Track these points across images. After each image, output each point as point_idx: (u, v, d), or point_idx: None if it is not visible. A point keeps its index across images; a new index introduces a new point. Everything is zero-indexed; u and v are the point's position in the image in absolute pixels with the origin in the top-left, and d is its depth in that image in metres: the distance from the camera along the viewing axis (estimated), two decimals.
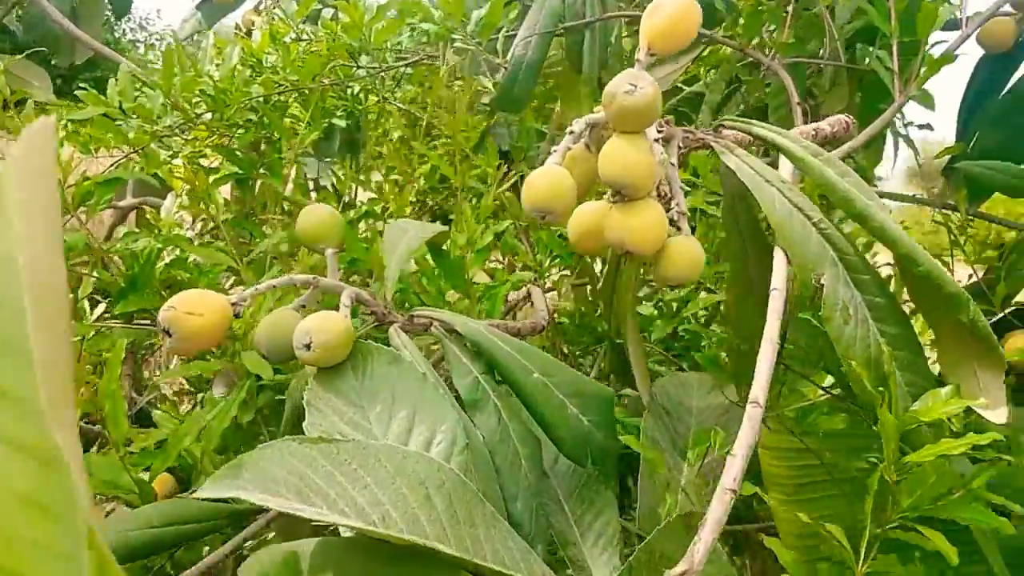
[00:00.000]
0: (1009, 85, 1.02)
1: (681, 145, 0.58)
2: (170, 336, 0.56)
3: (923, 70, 0.85)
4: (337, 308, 0.62)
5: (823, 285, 0.57)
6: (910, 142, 0.96)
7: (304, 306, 0.63)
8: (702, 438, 0.66)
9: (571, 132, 0.56)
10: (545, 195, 0.52)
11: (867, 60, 0.97)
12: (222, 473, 0.44)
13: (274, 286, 0.62)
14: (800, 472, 0.89)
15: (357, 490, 0.50)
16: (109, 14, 2.71)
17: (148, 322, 0.98)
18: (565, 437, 0.65)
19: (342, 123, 1.17)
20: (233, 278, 1.06)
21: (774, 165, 0.66)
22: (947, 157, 1.05)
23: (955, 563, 0.52)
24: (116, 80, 1.00)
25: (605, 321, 0.85)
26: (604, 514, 0.68)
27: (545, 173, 0.53)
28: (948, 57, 0.84)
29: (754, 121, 0.61)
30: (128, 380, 1.00)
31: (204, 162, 1.07)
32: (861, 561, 0.58)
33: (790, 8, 0.92)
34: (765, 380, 0.52)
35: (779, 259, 0.57)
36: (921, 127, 1.05)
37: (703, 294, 0.86)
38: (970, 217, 0.97)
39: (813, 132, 0.68)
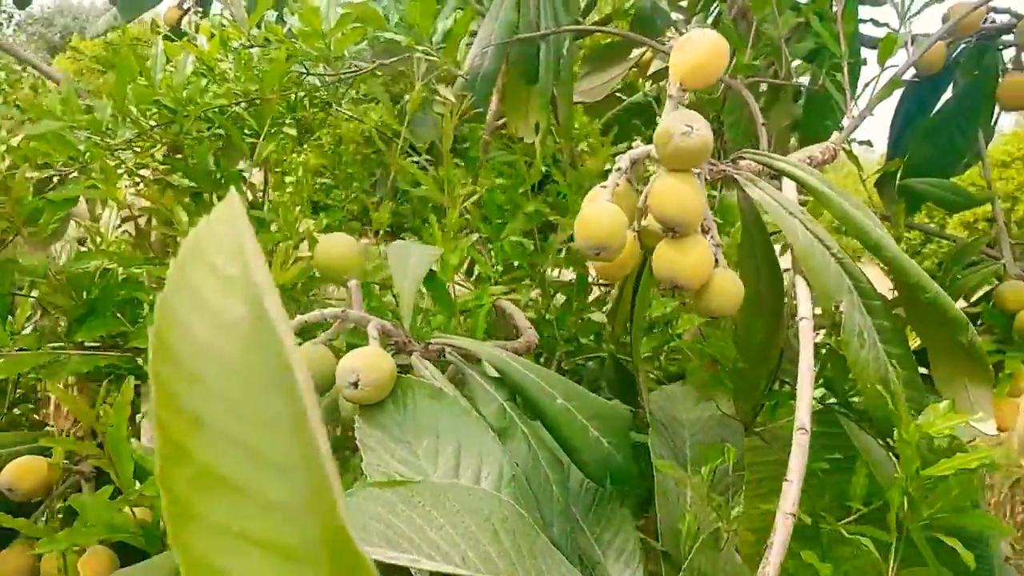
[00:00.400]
0: (937, 106, 1.11)
1: (707, 177, 0.61)
2: None
3: (875, 92, 0.91)
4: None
5: (841, 312, 0.61)
6: (854, 158, 1.03)
7: (332, 341, 0.62)
8: (713, 454, 0.69)
9: (618, 169, 0.57)
10: (603, 234, 0.53)
11: (818, 79, 1.03)
12: None
13: (306, 321, 0.60)
14: (760, 469, 0.95)
15: (434, 531, 0.50)
16: None
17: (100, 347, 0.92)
18: (588, 460, 0.67)
19: (292, 131, 1.14)
20: None
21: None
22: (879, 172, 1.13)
23: (973, 567, 0.57)
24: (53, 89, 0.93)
25: (611, 341, 0.87)
26: (622, 531, 0.70)
27: (600, 211, 0.54)
28: (898, 82, 0.91)
29: (774, 155, 0.64)
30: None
31: (147, 174, 1.02)
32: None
33: (752, 30, 0.97)
34: (807, 406, 0.55)
35: (803, 288, 0.61)
36: (862, 143, 1.12)
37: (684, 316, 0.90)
38: (906, 228, 1.06)
39: (808, 159, 0.72)
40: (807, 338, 0.57)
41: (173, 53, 0.99)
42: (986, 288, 0.96)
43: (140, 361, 0.91)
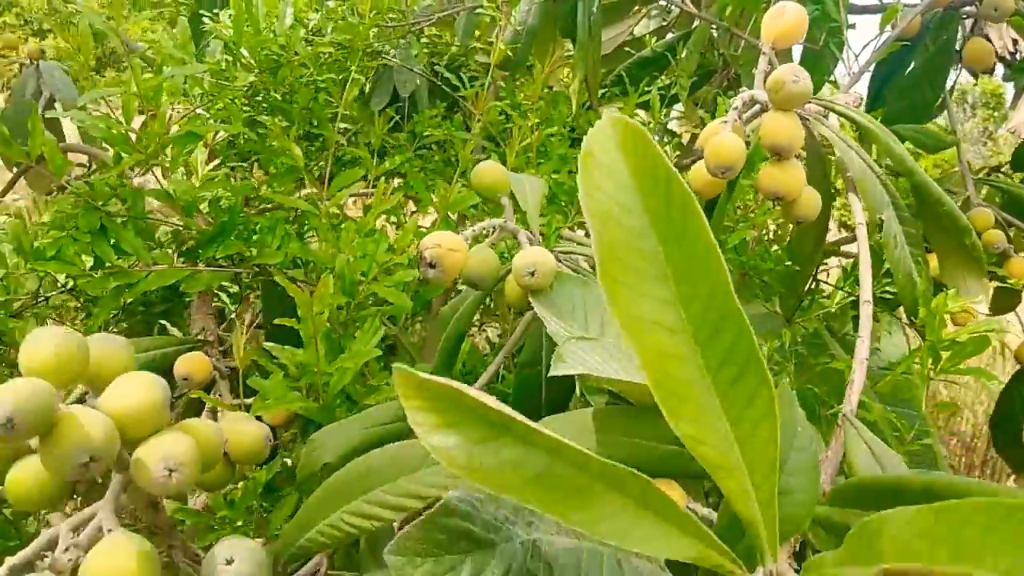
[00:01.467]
0: (911, 66, 1.32)
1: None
2: (433, 269, 0.69)
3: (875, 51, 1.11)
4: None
5: (883, 221, 0.80)
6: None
7: (494, 244, 0.78)
8: (769, 337, 0.88)
9: (734, 108, 0.74)
10: (734, 157, 0.70)
11: (817, 40, 1.22)
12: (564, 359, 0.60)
13: (475, 229, 0.76)
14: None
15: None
16: None
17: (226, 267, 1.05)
18: None
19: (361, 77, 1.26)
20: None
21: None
22: None
23: None
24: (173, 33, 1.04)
25: None
26: None
27: (731, 139, 0.71)
28: (895, 45, 1.11)
29: (834, 100, 0.83)
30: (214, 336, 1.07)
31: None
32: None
33: None
34: (868, 287, 0.74)
35: (857, 203, 0.80)
36: None
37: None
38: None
39: (844, 105, 0.90)
40: (864, 239, 0.76)
41: (271, 6, 1.10)
42: None
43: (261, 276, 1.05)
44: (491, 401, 0.43)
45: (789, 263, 0.90)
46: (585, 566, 0.49)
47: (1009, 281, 1.16)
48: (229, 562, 0.50)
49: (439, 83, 1.41)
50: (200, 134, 0.99)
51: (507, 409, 0.43)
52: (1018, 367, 1.23)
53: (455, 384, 0.43)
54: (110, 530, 0.50)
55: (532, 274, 0.72)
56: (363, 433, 0.76)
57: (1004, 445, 1.30)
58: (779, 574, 0.42)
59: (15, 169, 1.47)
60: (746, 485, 0.42)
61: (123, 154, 0.95)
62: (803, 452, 0.47)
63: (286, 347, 0.84)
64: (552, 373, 0.59)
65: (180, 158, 1.00)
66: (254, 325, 1.11)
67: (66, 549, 0.49)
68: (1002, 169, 1.42)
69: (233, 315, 1.15)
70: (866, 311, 0.72)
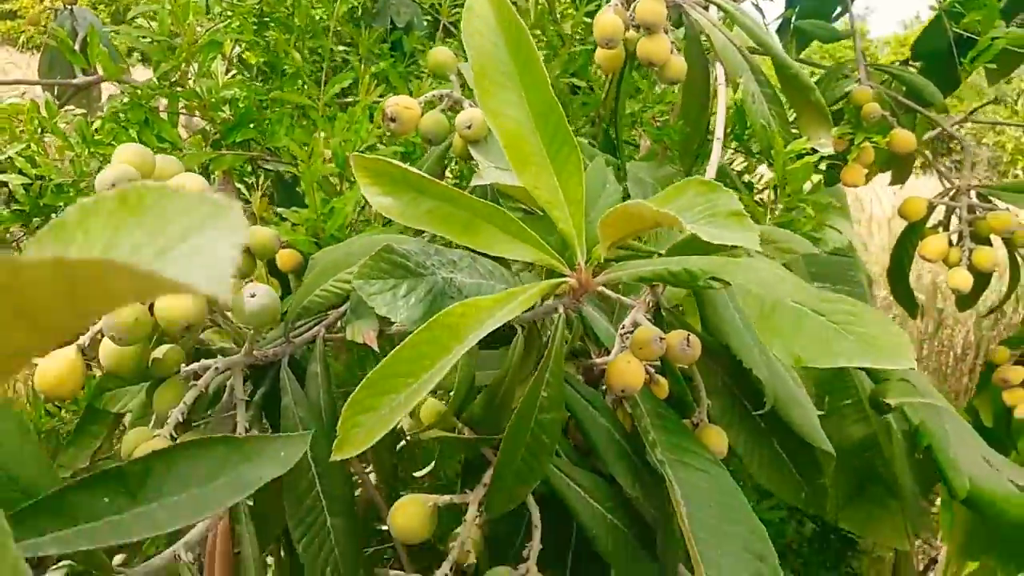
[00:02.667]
0: None
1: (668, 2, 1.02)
2: (393, 122, 0.95)
3: None
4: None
5: (740, 82, 1.05)
6: (760, 9, 1.44)
7: (444, 111, 1.03)
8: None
9: None
10: (611, 29, 0.95)
11: None
12: (482, 176, 0.86)
13: (427, 96, 1.01)
14: None
15: None
16: None
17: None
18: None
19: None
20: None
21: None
22: (779, 19, 1.56)
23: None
24: None
25: (606, 122, 1.30)
26: None
27: (609, 17, 0.95)
28: None
29: None
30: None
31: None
32: None
33: None
34: (721, 124, 0.99)
35: (720, 69, 1.04)
36: None
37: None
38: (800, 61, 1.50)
39: None
40: (723, 95, 1.01)
41: None
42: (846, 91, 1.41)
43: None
44: (413, 171, 0.69)
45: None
46: (479, 292, 0.76)
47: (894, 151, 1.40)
48: (252, 296, 0.76)
49: (431, 12, 1.65)
50: (220, 42, 1.25)
51: (425, 175, 0.69)
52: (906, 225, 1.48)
53: (391, 163, 0.69)
54: None
55: (469, 127, 0.97)
56: (346, 246, 1.02)
57: (898, 293, 1.55)
58: (584, 269, 0.68)
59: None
60: (566, 213, 0.67)
61: (162, 61, 1.20)
62: (609, 197, 0.73)
63: (292, 207, 1.11)
64: (473, 183, 0.86)
65: (206, 64, 1.25)
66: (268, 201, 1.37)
67: None
68: (909, 62, 1.65)
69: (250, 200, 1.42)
70: (716, 146, 0.97)
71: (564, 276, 0.68)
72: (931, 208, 1.42)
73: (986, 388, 1.58)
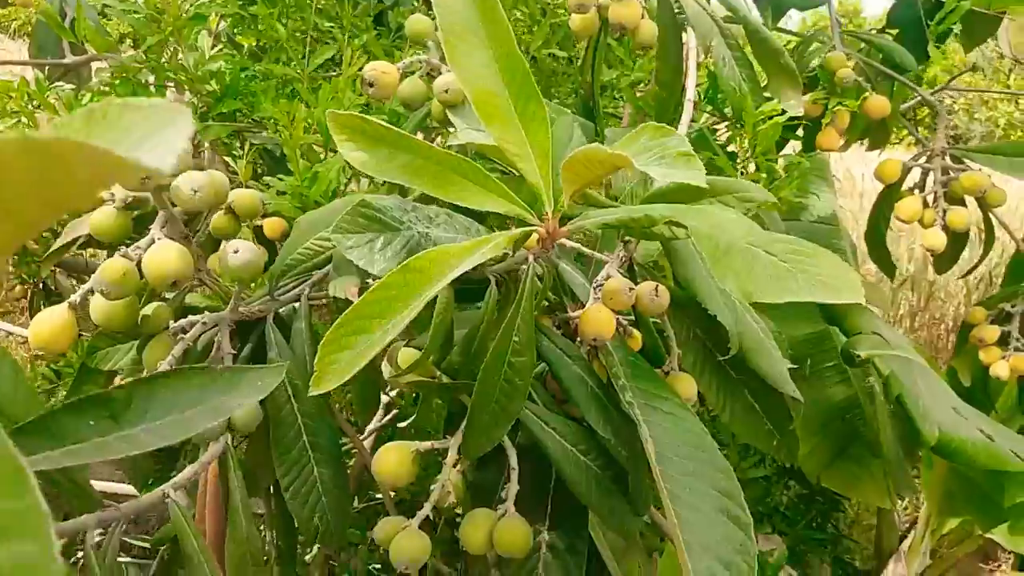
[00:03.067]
0: None
1: None
2: (372, 87, 0.98)
3: None
4: None
5: (712, 47, 1.07)
6: None
7: (422, 77, 1.06)
8: None
9: None
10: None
11: None
12: (457, 136, 0.88)
13: (406, 62, 1.04)
14: None
15: None
16: None
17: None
18: None
19: None
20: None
21: None
22: None
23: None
24: None
25: (579, 86, 1.32)
26: None
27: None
28: None
29: None
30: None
31: None
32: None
33: None
34: (693, 85, 1.02)
35: (692, 34, 1.07)
36: None
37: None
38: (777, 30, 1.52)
39: None
40: (693, 59, 1.03)
41: None
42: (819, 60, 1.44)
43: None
44: (386, 126, 0.72)
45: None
46: (448, 238, 0.79)
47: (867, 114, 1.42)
48: (236, 251, 0.80)
49: None
50: (206, 16, 1.27)
51: (396, 131, 0.72)
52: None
53: (365, 119, 0.72)
54: (160, 239, 0.80)
55: (447, 91, 1.00)
56: (328, 207, 1.05)
57: (875, 255, 1.58)
58: (551, 218, 0.71)
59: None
60: (533, 165, 0.70)
61: (148, 35, 1.23)
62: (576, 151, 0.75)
63: (278, 175, 1.13)
64: (449, 143, 0.89)
65: (191, 38, 1.28)
66: (254, 170, 1.40)
67: (133, 250, 0.79)
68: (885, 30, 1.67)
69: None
70: (687, 107, 1.00)
71: (533, 226, 0.71)
72: (906, 170, 1.45)
73: (964, 349, 1.62)
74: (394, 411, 1.61)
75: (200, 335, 0.82)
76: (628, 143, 0.59)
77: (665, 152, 0.55)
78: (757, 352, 0.89)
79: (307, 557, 1.43)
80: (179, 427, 0.46)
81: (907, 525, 2.00)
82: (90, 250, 1.42)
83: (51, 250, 1.10)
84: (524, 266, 0.74)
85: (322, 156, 1.25)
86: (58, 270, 1.51)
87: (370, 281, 0.87)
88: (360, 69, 1.29)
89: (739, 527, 0.74)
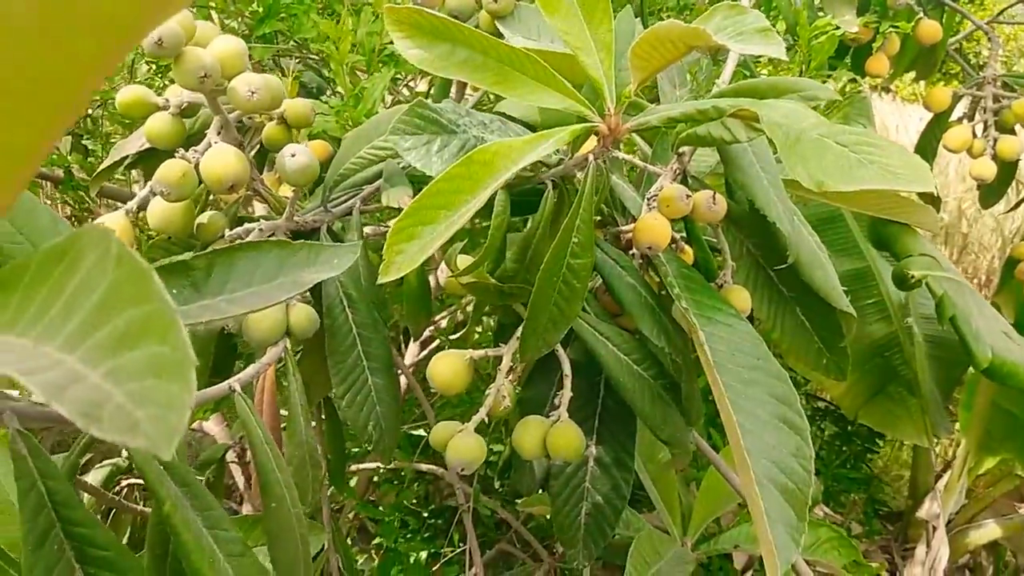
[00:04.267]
0: None
1: None
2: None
3: None
4: None
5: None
6: None
7: None
8: None
9: None
10: None
11: None
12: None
13: None
14: None
15: None
16: None
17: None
18: None
19: None
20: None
21: None
22: None
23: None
24: None
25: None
26: None
27: None
28: None
29: None
30: None
31: None
32: None
33: None
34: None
35: None
36: None
37: None
38: None
39: None
40: None
41: None
42: None
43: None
44: (448, 20, 0.71)
45: None
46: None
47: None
48: (292, 155, 0.79)
49: None
50: None
51: (457, 25, 0.71)
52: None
53: (425, 12, 0.71)
54: (216, 143, 0.80)
55: (496, 1, 0.98)
56: (375, 120, 1.05)
57: None
58: (614, 114, 0.70)
59: None
60: (595, 59, 0.69)
61: None
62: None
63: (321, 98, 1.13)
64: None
65: None
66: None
67: (191, 153, 0.79)
68: None
69: None
70: None
71: (594, 123, 0.70)
72: (956, 99, 1.42)
73: (1007, 285, 1.60)
74: (433, 344, 1.62)
75: None
76: (701, 21, 0.58)
77: (742, 29, 0.54)
78: (811, 265, 0.88)
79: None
80: (258, 297, 0.46)
81: (940, 467, 2.00)
82: (133, 175, 1.42)
83: (99, 170, 1.10)
84: (581, 170, 0.73)
85: (363, 80, 1.24)
86: (101, 201, 1.52)
87: None
88: None
89: (795, 432, 0.74)
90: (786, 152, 0.60)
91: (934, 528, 1.67)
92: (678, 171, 0.89)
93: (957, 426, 1.84)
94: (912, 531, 1.83)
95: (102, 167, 1.17)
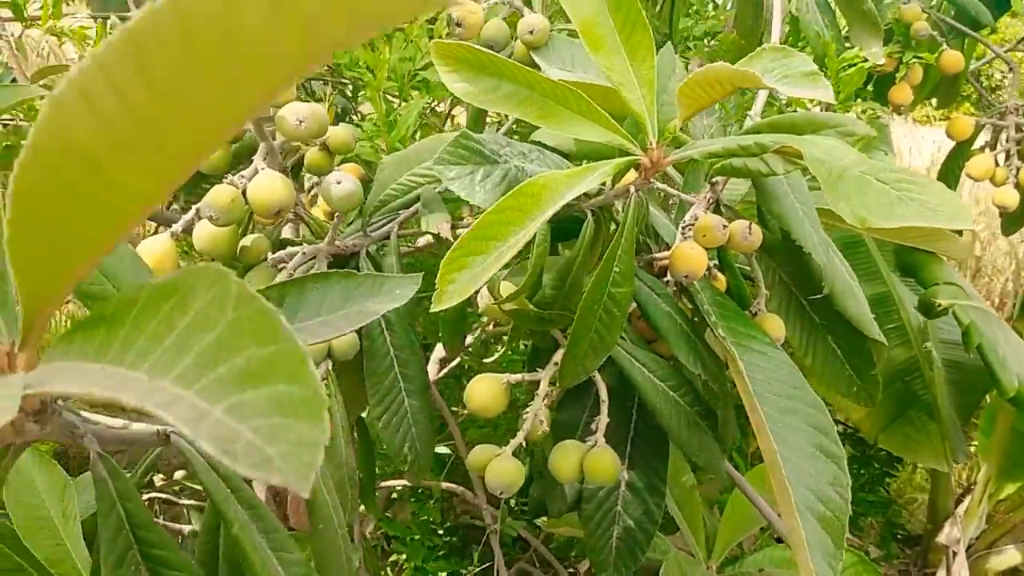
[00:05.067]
0: None
1: None
2: (459, 27, 0.98)
3: None
4: None
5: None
6: None
7: (504, 18, 1.06)
8: None
9: None
10: None
11: None
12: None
13: (489, 2, 1.04)
14: None
15: None
16: None
17: None
18: None
19: None
20: None
21: None
22: None
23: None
24: None
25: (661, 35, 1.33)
26: None
27: None
28: None
29: None
30: None
31: None
32: None
33: None
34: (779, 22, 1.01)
35: None
36: None
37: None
38: None
39: None
40: (779, 2, 1.03)
41: None
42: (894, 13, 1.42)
43: None
44: (493, 55, 0.73)
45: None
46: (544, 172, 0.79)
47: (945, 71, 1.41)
48: (339, 182, 0.81)
49: None
50: None
51: (502, 60, 0.73)
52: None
53: (471, 48, 0.73)
54: (263, 169, 0.82)
55: (531, 32, 1.00)
56: (413, 148, 1.07)
57: None
58: (657, 148, 0.71)
59: None
60: (638, 94, 0.71)
61: None
62: (679, 82, 0.76)
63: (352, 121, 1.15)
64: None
65: None
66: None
67: (238, 178, 0.81)
68: None
69: None
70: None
71: (636, 156, 0.72)
72: (979, 128, 1.43)
73: None
74: (451, 364, 1.64)
75: (298, 267, 0.84)
76: (748, 63, 0.60)
77: (789, 72, 0.56)
78: (844, 295, 0.90)
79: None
80: (328, 327, 0.48)
81: (959, 491, 2.00)
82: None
83: None
84: (621, 199, 0.75)
85: (395, 104, 1.26)
86: None
87: (462, 226, 0.89)
88: (429, 18, 1.30)
89: (832, 460, 0.75)
90: (829, 188, 0.62)
91: (954, 553, 1.67)
92: (711, 200, 0.91)
93: (974, 451, 1.84)
94: (932, 556, 1.83)
95: None
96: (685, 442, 0.82)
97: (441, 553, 1.64)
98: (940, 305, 1.02)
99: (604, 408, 0.81)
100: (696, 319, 0.85)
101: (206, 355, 0.30)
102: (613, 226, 0.82)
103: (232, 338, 0.29)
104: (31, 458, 0.84)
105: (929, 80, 1.45)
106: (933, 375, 1.65)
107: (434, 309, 0.60)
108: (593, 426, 0.82)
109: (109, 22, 1.40)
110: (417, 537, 1.36)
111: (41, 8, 1.35)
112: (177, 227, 0.83)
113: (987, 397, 1.69)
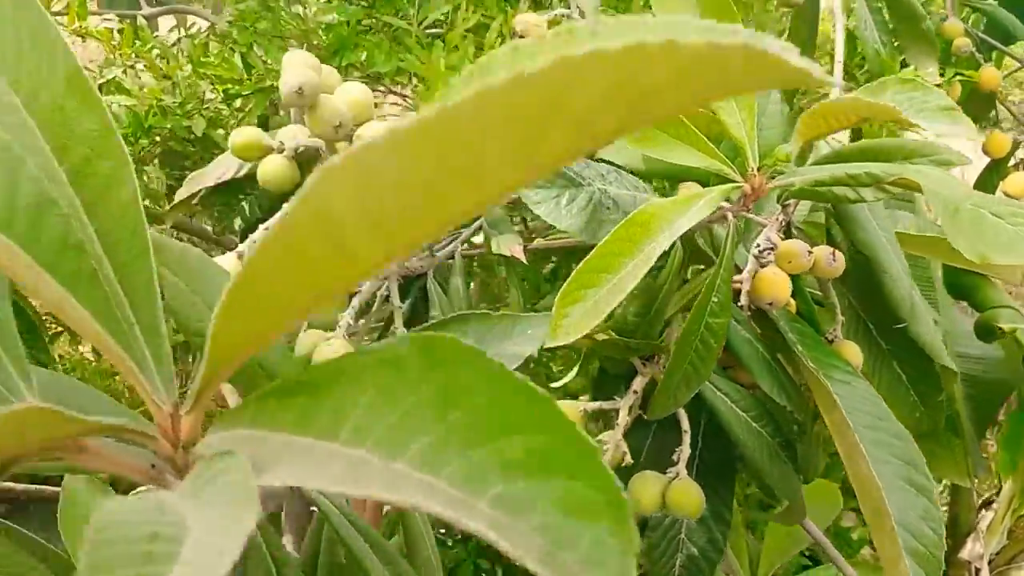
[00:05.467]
0: None
1: None
2: (523, 39, 0.96)
3: None
4: None
5: (853, 9, 1.05)
6: None
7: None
8: None
9: None
10: None
11: None
12: None
13: (549, 15, 1.02)
14: None
15: None
16: None
17: None
18: None
19: None
20: None
21: None
22: None
23: None
24: None
25: None
26: None
27: None
28: None
29: None
30: None
31: None
32: None
33: None
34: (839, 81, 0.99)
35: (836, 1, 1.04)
36: None
37: None
38: None
39: None
40: (840, 17, 1.01)
41: None
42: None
43: None
44: None
45: None
46: (634, 203, 0.77)
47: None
48: None
49: None
50: None
51: None
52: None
53: None
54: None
55: None
56: None
57: None
58: (757, 174, 0.69)
59: None
60: (737, 119, 0.69)
61: None
62: (776, 105, 0.74)
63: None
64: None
65: None
66: None
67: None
68: None
69: None
70: (837, 69, 0.98)
71: (735, 182, 0.70)
72: (1016, 145, 1.43)
73: None
74: None
75: (371, 291, 0.81)
76: (870, 94, 0.58)
77: (924, 106, 0.54)
78: (918, 321, 0.88)
79: None
80: None
81: (979, 507, 2.00)
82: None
83: (174, 203, 1.09)
84: (719, 225, 0.73)
85: None
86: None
87: (531, 246, 0.86)
88: (468, 30, 1.28)
89: (923, 494, 0.74)
90: (948, 223, 0.60)
91: (977, 570, 1.67)
92: (783, 222, 0.89)
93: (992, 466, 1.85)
94: (953, 571, 1.83)
95: (177, 198, 1.15)
96: (768, 473, 0.80)
97: None
98: (1002, 329, 1.01)
99: (686, 439, 0.79)
100: (775, 344, 0.83)
101: (450, 437, 0.28)
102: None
103: (489, 421, 0.27)
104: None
105: (962, 96, 1.45)
106: (955, 390, 1.65)
107: (550, 345, 0.58)
108: (675, 457, 0.80)
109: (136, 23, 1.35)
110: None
111: (67, 7, 1.30)
112: (242, 247, 0.80)
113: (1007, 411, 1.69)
